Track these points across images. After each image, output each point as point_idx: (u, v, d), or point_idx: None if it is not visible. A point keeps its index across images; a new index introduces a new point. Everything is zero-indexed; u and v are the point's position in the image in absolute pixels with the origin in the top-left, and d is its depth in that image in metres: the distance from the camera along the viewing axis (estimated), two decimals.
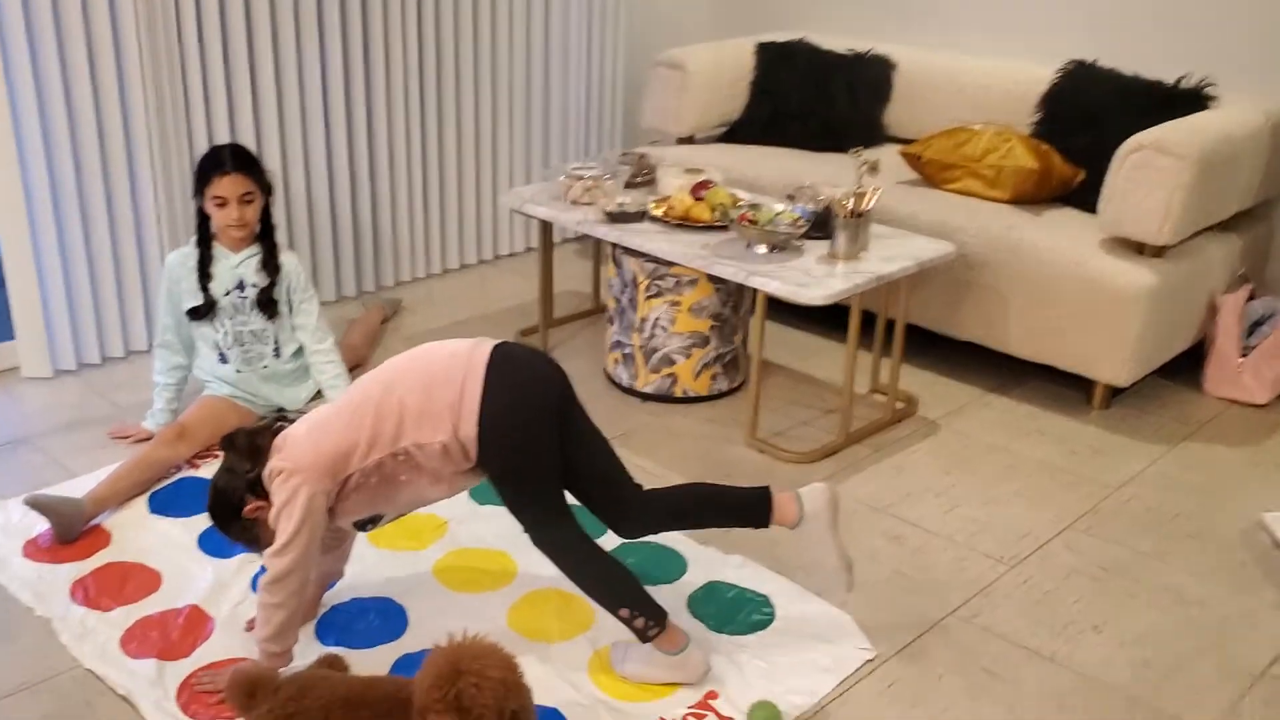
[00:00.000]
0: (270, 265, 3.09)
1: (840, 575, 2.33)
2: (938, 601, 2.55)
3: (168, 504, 2.81)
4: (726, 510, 2.33)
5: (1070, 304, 3.33)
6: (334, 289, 4.07)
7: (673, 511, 2.30)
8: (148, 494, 2.85)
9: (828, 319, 3.91)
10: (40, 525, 2.67)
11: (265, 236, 3.10)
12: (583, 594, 2.21)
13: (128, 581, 2.53)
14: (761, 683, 2.27)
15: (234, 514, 2.15)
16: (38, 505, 2.63)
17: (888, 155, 3.97)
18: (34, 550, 2.62)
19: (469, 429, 2.06)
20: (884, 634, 2.42)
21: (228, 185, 2.96)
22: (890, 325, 3.39)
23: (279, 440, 2.14)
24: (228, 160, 2.98)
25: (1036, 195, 3.62)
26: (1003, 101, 3.97)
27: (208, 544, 2.66)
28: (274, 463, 2.10)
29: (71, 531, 2.66)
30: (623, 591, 2.19)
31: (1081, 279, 3.30)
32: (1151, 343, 3.33)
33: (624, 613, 2.18)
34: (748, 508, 2.30)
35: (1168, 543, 2.79)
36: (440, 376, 2.09)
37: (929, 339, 3.70)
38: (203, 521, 2.65)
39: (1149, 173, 3.18)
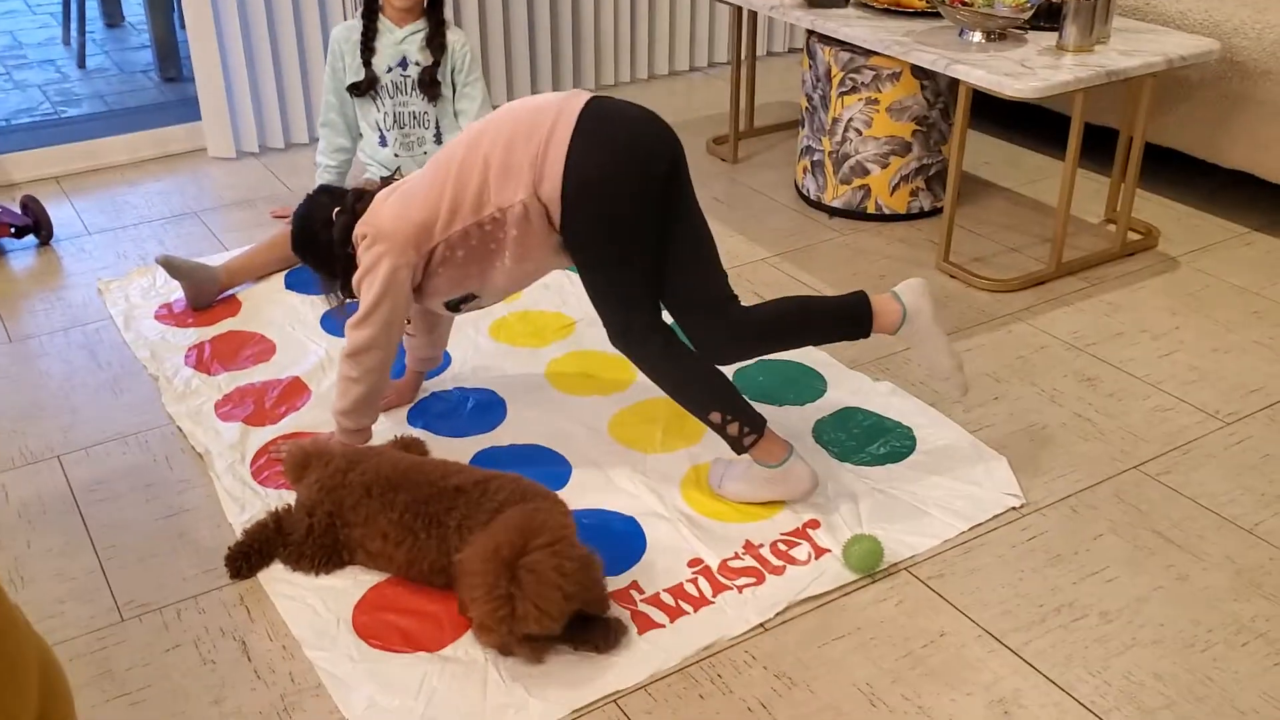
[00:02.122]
0: (435, 43, 2.89)
1: (955, 376, 2.00)
2: (1120, 453, 2.10)
3: (305, 282, 2.73)
4: (824, 323, 1.95)
5: None
6: (529, 87, 3.85)
7: (768, 327, 1.93)
8: (287, 270, 2.78)
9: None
10: (180, 292, 2.64)
11: (433, 11, 2.91)
12: (671, 398, 1.94)
13: (243, 349, 2.47)
14: (876, 517, 1.93)
15: (319, 232, 1.98)
16: (170, 267, 2.61)
17: None
18: (165, 313, 2.60)
19: (551, 187, 1.79)
20: (1043, 483, 2.02)
21: None
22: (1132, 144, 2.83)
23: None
24: None
25: None
26: None
27: (329, 323, 2.56)
28: (359, 226, 1.93)
29: (202, 298, 2.62)
30: (715, 394, 1.89)
31: None
32: None
33: (715, 417, 1.89)
34: (848, 316, 1.94)
35: None
36: (524, 129, 1.82)
37: (1191, 167, 3.10)
38: None
39: None
